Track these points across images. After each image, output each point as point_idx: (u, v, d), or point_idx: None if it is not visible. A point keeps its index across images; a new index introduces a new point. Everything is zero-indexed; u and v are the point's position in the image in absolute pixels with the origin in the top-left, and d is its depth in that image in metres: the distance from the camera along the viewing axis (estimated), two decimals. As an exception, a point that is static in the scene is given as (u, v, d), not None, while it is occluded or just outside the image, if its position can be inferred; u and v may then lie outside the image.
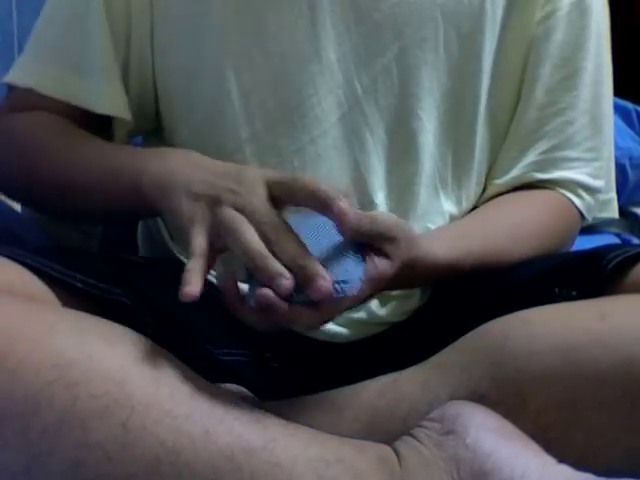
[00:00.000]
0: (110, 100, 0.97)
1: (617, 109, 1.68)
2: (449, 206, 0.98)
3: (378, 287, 0.80)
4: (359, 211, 0.79)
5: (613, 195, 1.09)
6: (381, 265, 0.79)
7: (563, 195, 1.00)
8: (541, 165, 1.00)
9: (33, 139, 0.97)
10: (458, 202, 0.99)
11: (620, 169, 1.63)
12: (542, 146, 1.00)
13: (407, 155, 0.95)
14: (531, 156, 1.00)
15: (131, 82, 0.99)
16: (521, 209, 0.98)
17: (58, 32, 0.99)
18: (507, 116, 1.01)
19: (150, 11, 0.96)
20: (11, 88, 1.02)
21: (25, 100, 1.00)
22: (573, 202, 1.01)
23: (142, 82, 0.99)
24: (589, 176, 1.01)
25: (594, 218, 1.07)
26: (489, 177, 1.02)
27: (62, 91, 0.97)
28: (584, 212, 1.02)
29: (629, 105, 1.76)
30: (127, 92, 0.98)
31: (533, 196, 1.00)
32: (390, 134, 0.95)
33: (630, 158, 1.67)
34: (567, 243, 1.01)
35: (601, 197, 1.06)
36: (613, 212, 1.10)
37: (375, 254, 0.79)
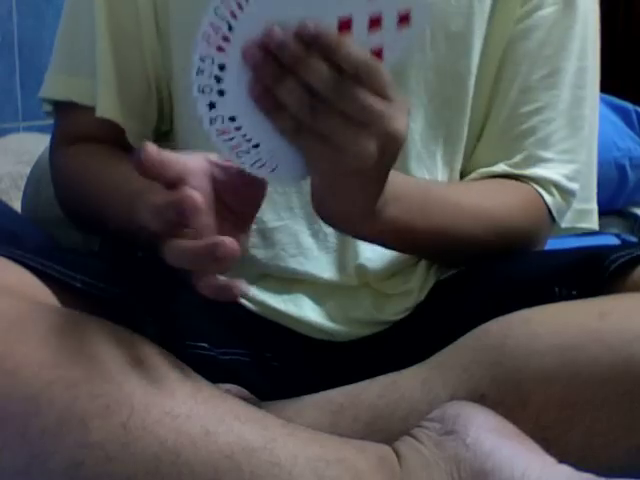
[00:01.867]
0: (106, 105, 0.98)
1: (617, 110, 1.68)
2: None
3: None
4: None
5: (594, 206, 1.07)
6: None
7: (535, 190, 0.98)
8: (515, 163, 0.98)
9: (74, 180, 1.00)
10: None
11: (620, 170, 1.64)
12: (520, 145, 0.98)
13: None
14: (508, 155, 0.98)
15: (150, 86, 1.00)
16: (495, 196, 0.96)
17: (81, 43, 1.01)
18: (481, 113, 1.00)
19: (154, 15, 0.97)
20: (56, 114, 1.05)
21: (70, 121, 1.03)
22: (543, 198, 0.98)
23: (159, 82, 1.00)
24: (564, 177, 0.99)
25: (573, 228, 1.06)
26: (466, 170, 1.00)
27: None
28: (553, 210, 0.99)
29: (629, 106, 1.76)
30: (149, 93, 1.00)
31: (509, 186, 0.98)
32: None
33: (630, 159, 1.67)
34: (534, 240, 0.99)
35: (582, 207, 1.04)
36: (593, 223, 1.07)
37: None
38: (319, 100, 0.68)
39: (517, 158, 0.98)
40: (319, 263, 0.93)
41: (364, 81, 0.69)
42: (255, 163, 0.73)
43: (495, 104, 0.99)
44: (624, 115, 1.73)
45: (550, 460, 0.73)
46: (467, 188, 0.97)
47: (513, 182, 0.98)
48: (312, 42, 0.67)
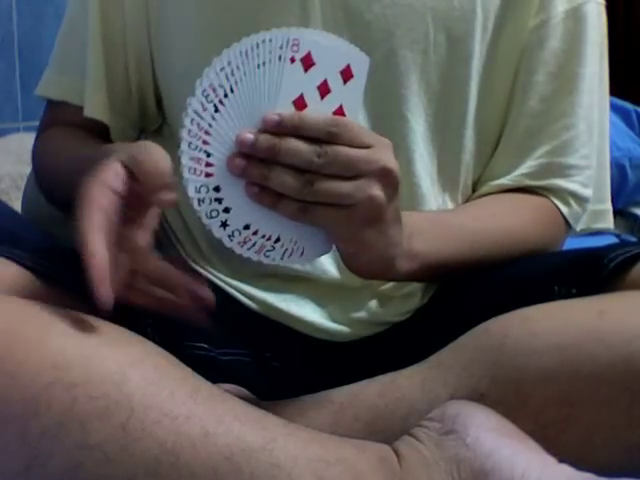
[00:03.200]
0: (94, 104, 1.00)
1: (617, 110, 1.68)
2: (434, 209, 0.97)
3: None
4: None
5: (609, 206, 1.08)
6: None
7: (552, 203, 1.00)
8: (537, 172, 0.99)
9: (46, 155, 1.02)
10: (444, 204, 0.98)
11: (620, 170, 1.64)
12: (538, 153, 0.99)
13: (396, 156, 0.95)
14: (527, 163, 0.99)
15: (132, 86, 1.01)
16: (511, 216, 0.97)
17: (76, 45, 1.03)
18: (495, 122, 1.00)
19: (146, 17, 0.98)
20: (46, 106, 1.07)
21: (58, 114, 1.05)
22: (561, 211, 1.00)
23: (142, 85, 1.01)
24: (581, 185, 1.00)
25: (589, 228, 1.06)
26: (482, 180, 1.01)
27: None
28: (571, 222, 1.01)
29: (629, 106, 1.76)
30: (130, 95, 1.02)
31: (524, 202, 0.99)
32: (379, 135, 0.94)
33: (630, 159, 1.68)
34: (552, 250, 1.00)
35: (597, 207, 1.05)
36: (608, 223, 1.08)
37: None
38: (310, 174, 0.74)
39: (536, 167, 0.99)
40: (321, 263, 0.93)
41: (339, 139, 0.74)
42: (284, 255, 0.78)
43: (512, 114, 1.00)
44: (624, 115, 1.73)
45: (550, 460, 0.73)
46: (483, 211, 0.97)
47: (529, 197, 0.99)
48: (279, 129, 0.73)
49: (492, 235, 0.94)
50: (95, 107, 1.00)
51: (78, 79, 1.02)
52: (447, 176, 0.98)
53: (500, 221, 0.96)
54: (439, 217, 0.95)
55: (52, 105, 1.06)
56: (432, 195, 0.97)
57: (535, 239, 0.97)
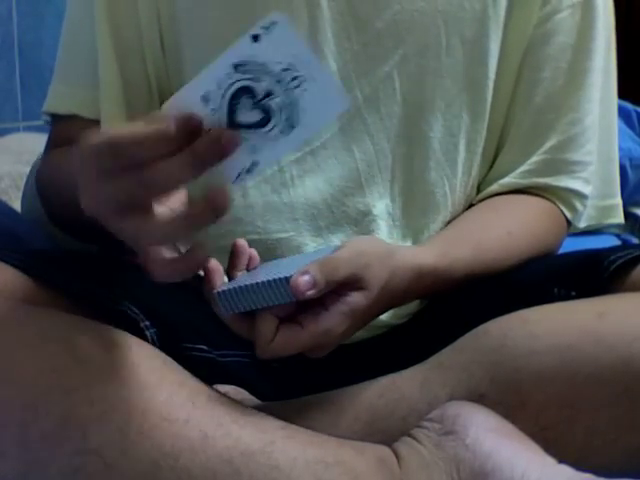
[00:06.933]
0: (112, 117, 0.97)
1: (617, 110, 1.68)
2: (455, 214, 0.97)
3: (357, 320, 0.79)
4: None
5: (619, 201, 1.07)
6: (353, 298, 0.78)
7: (556, 205, 0.99)
8: (542, 168, 0.98)
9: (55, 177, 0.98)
10: (462, 211, 0.98)
11: (620, 170, 1.63)
12: (544, 148, 0.98)
13: (412, 164, 0.95)
14: (533, 159, 0.99)
15: (153, 96, 0.99)
16: (517, 219, 0.97)
17: (82, 55, 1.00)
18: (500, 119, 1.00)
19: (158, 27, 0.97)
20: (52, 122, 1.04)
21: (66, 130, 1.01)
22: (566, 217, 1.00)
23: (160, 88, 0.99)
24: (584, 182, 1.00)
25: (599, 224, 1.06)
26: (488, 178, 1.01)
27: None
28: (574, 223, 1.01)
29: (629, 106, 1.76)
30: (151, 102, 0.99)
31: (530, 204, 0.99)
32: (393, 143, 0.94)
33: (630, 159, 1.67)
34: (553, 251, 1.00)
35: (608, 202, 1.05)
36: (619, 218, 1.08)
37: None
38: None
39: (541, 163, 0.98)
40: None
41: None
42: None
43: (517, 111, 0.99)
44: (624, 115, 1.73)
45: (550, 460, 0.73)
46: (489, 215, 0.97)
47: (535, 200, 0.99)
48: None
49: (498, 240, 0.93)
50: (113, 120, 0.96)
51: (87, 89, 0.99)
52: (468, 179, 0.98)
53: (506, 225, 0.95)
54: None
55: (59, 120, 1.03)
56: (449, 202, 0.96)
57: (540, 243, 0.96)
